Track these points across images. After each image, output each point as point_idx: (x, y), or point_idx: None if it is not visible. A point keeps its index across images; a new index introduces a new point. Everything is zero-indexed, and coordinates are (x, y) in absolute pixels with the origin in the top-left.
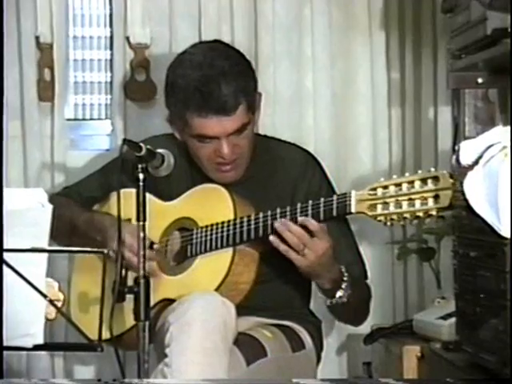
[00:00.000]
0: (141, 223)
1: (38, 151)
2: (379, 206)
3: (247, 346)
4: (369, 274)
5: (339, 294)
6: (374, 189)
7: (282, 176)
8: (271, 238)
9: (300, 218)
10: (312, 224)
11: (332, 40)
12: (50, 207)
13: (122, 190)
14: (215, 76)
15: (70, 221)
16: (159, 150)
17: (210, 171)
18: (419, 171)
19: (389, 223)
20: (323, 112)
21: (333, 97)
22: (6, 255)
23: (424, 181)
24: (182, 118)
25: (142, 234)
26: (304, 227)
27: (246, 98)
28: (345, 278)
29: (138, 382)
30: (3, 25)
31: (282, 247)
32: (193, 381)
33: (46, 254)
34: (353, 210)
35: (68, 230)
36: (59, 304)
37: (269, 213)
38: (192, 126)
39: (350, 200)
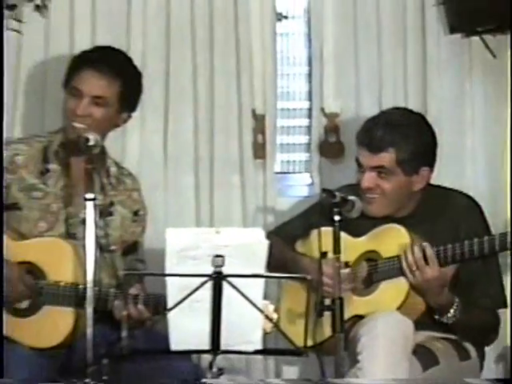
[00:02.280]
0: (336, 255)
1: (253, 198)
2: None
3: (423, 355)
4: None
5: (446, 316)
6: None
7: (448, 218)
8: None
9: (424, 244)
10: (429, 251)
11: (491, 104)
12: (266, 243)
13: (321, 229)
14: (384, 122)
15: (279, 258)
16: (350, 197)
17: (364, 202)
18: None
19: None
20: (482, 169)
21: (492, 156)
22: (232, 280)
23: None
24: None
25: (337, 264)
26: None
27: (396, 151)
28: (454, 307)
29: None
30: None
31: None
32: (383, 380)
33: (262, 280)
34: None
35: (277, 264)
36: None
37: (441, 247)
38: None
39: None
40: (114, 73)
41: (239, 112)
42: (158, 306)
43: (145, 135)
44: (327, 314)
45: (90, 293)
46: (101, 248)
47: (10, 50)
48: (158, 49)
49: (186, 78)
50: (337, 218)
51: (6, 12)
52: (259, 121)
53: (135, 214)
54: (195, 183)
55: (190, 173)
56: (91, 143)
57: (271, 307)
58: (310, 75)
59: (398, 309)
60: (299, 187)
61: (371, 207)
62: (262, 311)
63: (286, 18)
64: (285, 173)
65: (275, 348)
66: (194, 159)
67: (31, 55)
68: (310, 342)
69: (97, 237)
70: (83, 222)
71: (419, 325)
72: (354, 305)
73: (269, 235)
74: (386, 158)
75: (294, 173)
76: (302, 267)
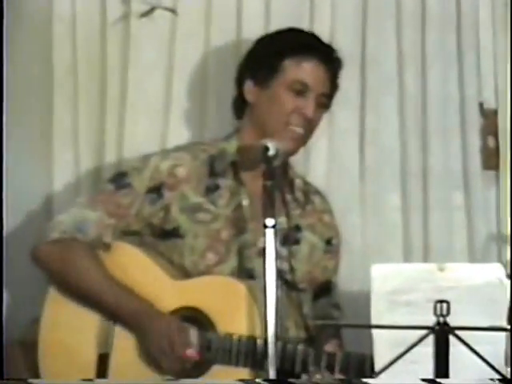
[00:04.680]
0: None
1: (482, 222)
2: None
3: None
4: None
5: None
6: None
7: None
8: None
9: None
10: None
11: None
12: (508, 283)
13: None
14: None
15: None
16: None
17: None
18: None
19: None
20: None
21: None
22: (462, 334)
23: None
24: None
25: None
26: None
27: None
28: None
29: None
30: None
31: None
32: None
33: (504, 333)
34: None
35: None
36: None
37: None
38: None
39: None
40: (337, 64)
41: (461, 107)
42: (363, 369)
43: (334, 139)
44: None
45: (272, 350)
46: (286, 287)
47: (164, 37)
48: (350, 31)
49: (388, 64)
50: None
51: None
52: (489, 118)
53: (328, 242)
54: (403, 203)
55: (396, 189)
56: (271, 153)
57: None
58: None
59: None
60: None
61: None
62: (501, 374)
63: None
64: None
65: None
66: (401, 171)
67: (188, 43)
68: None
69: (280, 272)
70: (262, 253)
71: None
72: None
73: None
74: None
75: None
76: None
